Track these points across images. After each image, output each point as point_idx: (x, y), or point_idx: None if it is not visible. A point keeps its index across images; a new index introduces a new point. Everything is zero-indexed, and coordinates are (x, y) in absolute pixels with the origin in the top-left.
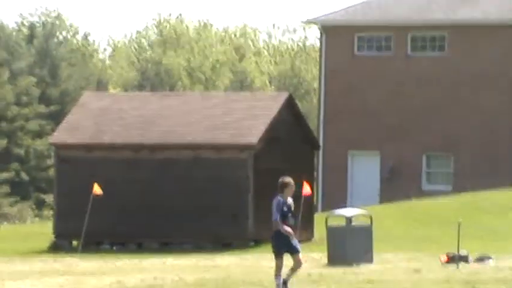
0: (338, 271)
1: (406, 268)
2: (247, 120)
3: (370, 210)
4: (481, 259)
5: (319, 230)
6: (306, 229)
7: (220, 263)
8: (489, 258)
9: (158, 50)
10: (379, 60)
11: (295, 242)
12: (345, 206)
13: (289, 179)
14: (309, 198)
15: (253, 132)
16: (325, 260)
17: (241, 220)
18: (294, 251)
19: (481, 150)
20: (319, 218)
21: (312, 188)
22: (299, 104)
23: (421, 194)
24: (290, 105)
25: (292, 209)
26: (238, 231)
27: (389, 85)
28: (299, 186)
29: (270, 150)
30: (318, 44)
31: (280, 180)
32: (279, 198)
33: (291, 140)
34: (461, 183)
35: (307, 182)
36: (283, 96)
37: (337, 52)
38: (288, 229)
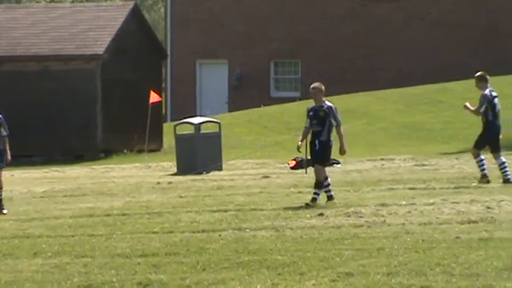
0: (187, 179)
1: (256, 174)
2: (94, 31)
3: (220, 118)
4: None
5: (169, 140)
6: (155, 139)
7: (70, 174)
8: (337, 162)
9: None
10: None
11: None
12: (194, 116)
13: None
14: (157, 106)
15: (99, 43)
16: (174, 169)
17: (91, 131)
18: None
19: (328, 56)
20: (168, 127)
21: (160, 98)
22: (147, 15)
23: (270, 101)
24: (136, 15)
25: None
26: (88, 143)
27: None
28: (147, 96)
29: (117, 60)
30: None
31: None
32: None
33: (138, 50)
34: (309, 90)
35: (155, 91)
36: (129, 6)
37: None
38: None
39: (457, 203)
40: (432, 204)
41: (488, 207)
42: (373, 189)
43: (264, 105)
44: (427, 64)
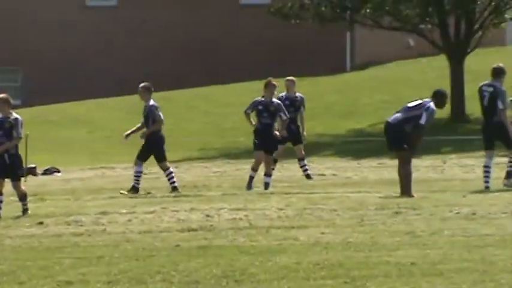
0: None
1: None
2: None
3: None
4: (48, 171)
5: None
6: None
7: None
8: (57, 171)
9: None
10: None
11: None
12: None
13: None
14: None
15: None
16: None
17: None
18: None
19: (48, 64)
20: None
21: None
22: None
23: None
24: None
25: None
26: None
27: None
28: None
29: None
30: None
31: None
32: None
33: None
34: (31, 98)
35: None
36: None
37: None
38: None
39: (177, 211)
40: (153, 212)
41: (208, 215)
42: (94, 198)
43: None
44: (147, 72)
